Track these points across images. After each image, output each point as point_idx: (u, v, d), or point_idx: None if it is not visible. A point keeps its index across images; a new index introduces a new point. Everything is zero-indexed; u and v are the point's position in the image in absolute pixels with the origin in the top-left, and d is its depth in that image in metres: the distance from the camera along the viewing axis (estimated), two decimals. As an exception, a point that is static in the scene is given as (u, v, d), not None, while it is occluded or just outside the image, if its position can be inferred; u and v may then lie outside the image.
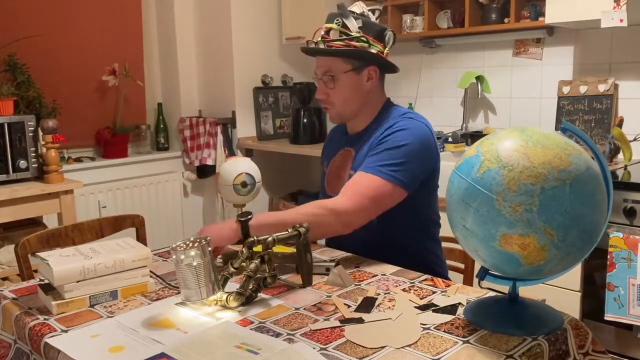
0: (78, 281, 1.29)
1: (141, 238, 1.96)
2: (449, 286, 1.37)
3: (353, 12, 1.64)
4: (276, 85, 3.85)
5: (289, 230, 1.39)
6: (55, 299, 1.28)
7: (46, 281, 1.38)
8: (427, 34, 3.22)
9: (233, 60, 3.65)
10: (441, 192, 1.44)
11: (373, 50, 1.63)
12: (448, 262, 1.80)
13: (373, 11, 1.69)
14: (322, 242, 2.16)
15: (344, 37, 1.61)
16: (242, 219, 1.49)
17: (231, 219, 1.53)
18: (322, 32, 1.65)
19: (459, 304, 1.26)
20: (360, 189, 1.55)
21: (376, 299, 1.30)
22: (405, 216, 1.62)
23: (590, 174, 1.04)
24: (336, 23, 1.62)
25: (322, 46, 1.64)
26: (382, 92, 1.74)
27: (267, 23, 3.76)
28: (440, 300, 1.28)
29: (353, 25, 1.61)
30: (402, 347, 1.07)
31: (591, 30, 2.76)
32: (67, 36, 3.39)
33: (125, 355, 1.07)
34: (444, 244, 1.78)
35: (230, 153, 3.66)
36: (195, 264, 1.21)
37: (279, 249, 1.68)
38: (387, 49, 1.68)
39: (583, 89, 2.79)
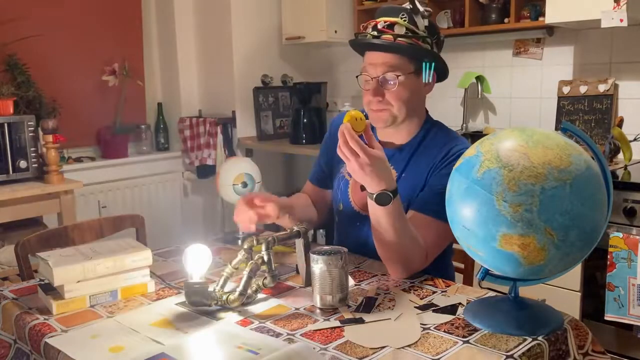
0: (78, 281, 1.28)
1: (141, 238, 1.96)
2: (449, 286, 1.37)
3: (420, 10, 1.49)
4: (276, 85, 3.85)
5: (288, 230, 1.38)
6: (55, 299, 1.28)
7: (46, 281, 1.38)
8: (427, 34, 3.22)
9: (233, 60, 3.65)
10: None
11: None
12: (448, 262, 1.79)
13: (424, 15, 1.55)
14: (322, 241, 2.15)
15: (410, 34, 1.46)
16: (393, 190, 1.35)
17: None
18: (381, 26, 1.48)
19: (459, 304, 1.26)
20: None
21: (376, 299, 1.30)
22: None
23: (590, 174, 1.04)
24: (402, 18, 1.47)
25: (389, 42, 1.46)
26: (424, 105, 1.61)
27: (267, 23, 3.76)
28: (440, 300, 1.28)
29: (421, 23, 1.47)
30: (402, 347, 1.07)
31: (591, 30, 2.76)
32: (67, 36, 3.39)
33: (125, 355, 1.07)
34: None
35: (230, 153, 3.66)
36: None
37: (279, 249, 1.68)
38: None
39: (583, 89, 2.79)
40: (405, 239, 1.37)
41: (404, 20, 1.46)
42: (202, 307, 1.26)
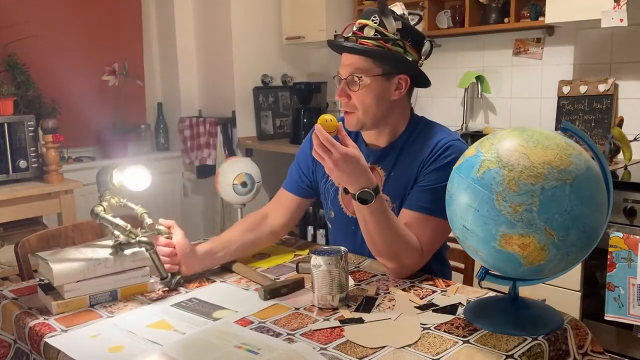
0: (78, 281, 1.28)
1: (141, 238, 1.95)
2: (449, 286, 1.37)
3: (393, 12, 1.46)
4: (276, 85, 3.86)
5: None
6: (55, 299, 1.28)
7: (46, 281, 1.38)
8: (427, 33, 3.22)
9: (233, 60, 3.65)
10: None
11: (409, 58, 1.48)
12: (448, 262, 1.79)
13: (413, 15, 1.54)
14: (322, 242, 2.13)
15: (379, 37, 1.44)
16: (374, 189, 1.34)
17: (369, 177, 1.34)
18: (355, 28, 1.48)
19: (459, 304, 1.26)
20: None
21: (376, 299, 1.30)
22: None
23: (590, 174, 1.04)
24: (373, 20, 1.45)
25: (352, 43, 1.46)
26: (407, 106, 1.58)
27: (267, 23, 3.76)
28: (440, 300, 1.28)
29: (392, 26, 1.44)
30: (402, 347, 1.07)
31: (591, 30, 2.76)
32: (67, 36, 3.39)
33: (125, 355, 1.07)
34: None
35: (230, 153, 3.66)
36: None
37: (278, 256, 1.68)
38: (422, 60, 1.52)
39: (583, 89, 2.79)
40: (393, 236, 1.38)
41: (375, 23, 1.45)
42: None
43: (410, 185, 1.51)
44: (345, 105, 1.52)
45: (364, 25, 1.46)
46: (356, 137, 1.63)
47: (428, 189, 1.46)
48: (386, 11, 1.44)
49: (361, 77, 1.47)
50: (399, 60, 1.47)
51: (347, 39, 1.48)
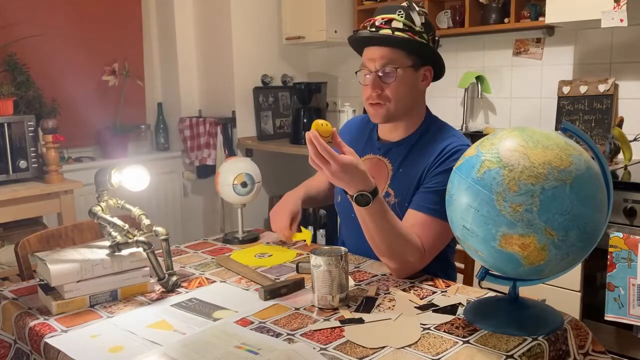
0: (78, 281, 1.28)
1: (141, 238, 1.95)
2: (449, 286, 1.37)
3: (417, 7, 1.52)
4: (276, 85, 3.86)
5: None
6: (55, 299, 1.28)
7: (45, 281, 1.38)
8: (427, 34, 3.22)
9: (233, 60, 3.65)
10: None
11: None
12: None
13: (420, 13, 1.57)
14: (322, 242, 2.11)
15: (407, 29, 1.48)
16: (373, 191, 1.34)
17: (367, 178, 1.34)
18: (379, 23, 1.51)
19: (459, 304, 1.26)
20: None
21: (376, 299, 1.30)
22: None
23: (590, 174, 1.04)
24: (398, 14, 1.49)
25: (387, 34, 1.48)
26: (424, 101, 1.63)
27: (267, 23, 3.76)
28: (440, 300, 1.28)
29: (417, 19, 1.49)
30: (402, 347, 1.07)
31: (591, 30, 2.76)
32: (67, 36, 3.39)
33: (125, 356, 1.07)
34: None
35: (230, 153, 3.66)
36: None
37: (280, 256, 1.68)
38: None
39: (583, 89, 2.79)
40: (394, 237, 1.38)
41: (401, 17, 1.49)
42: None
43: (414, 184, 1.52)
44: (377, 98, 1.52)
45: (391, 20, 1.49)
46: (371, 130, 1.66)
47: (433, 190, 1.47)
48: (412, 6, 1.50)
49: (397, 68, 1.50)
50: (429, 52, 1.52)
51: (376, 30, 1.50)
